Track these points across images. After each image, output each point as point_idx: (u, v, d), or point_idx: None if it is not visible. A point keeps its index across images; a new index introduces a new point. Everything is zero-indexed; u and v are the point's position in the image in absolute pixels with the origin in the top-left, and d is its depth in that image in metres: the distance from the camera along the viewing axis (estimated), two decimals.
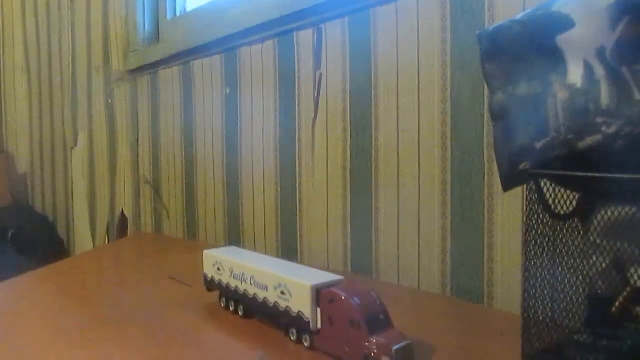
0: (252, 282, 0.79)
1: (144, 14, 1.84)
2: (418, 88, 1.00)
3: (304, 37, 1.23)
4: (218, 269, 0.87)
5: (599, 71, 0.55)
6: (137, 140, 1.88)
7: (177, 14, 1.84)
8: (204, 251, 0.91)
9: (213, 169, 1.53)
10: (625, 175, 0.55)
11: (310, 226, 1.24)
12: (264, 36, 1.33)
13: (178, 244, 1.57)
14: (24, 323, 0.84)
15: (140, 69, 1.83)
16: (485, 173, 0.90)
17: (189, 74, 1.60)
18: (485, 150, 0.90)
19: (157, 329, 0.79)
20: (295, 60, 1.25)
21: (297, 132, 1.26)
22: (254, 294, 0.79)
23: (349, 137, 1.13)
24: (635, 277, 0.56)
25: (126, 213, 1.97)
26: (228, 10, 1.55)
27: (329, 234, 1.19)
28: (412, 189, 1.02)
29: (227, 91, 1.46)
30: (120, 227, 2.01)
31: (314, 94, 1.21)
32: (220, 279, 0.87)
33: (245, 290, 0.81)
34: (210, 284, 0.89)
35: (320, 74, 1.19)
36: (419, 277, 1.01)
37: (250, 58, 1.38)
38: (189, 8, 1.80)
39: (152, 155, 1.81)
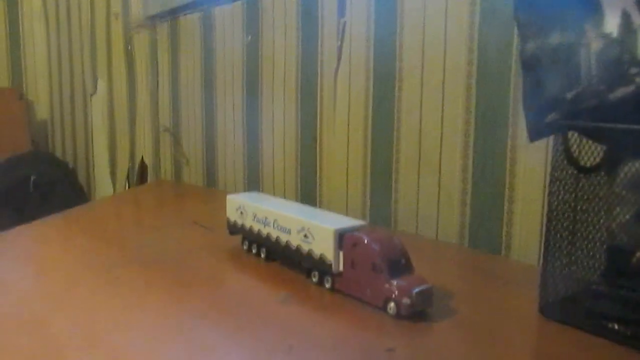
0: (275, 226, 0.81)
1: None
2: (445, 38, 0.99)
3: None
4: (241, 213, 0.89)
5: (638, 21, 0.54)
6: (157, 88, 1.89)
7: None
8: (228, 196, 0.93)
9: (233, 118, 1.54)
10: None
11: (331, 175, 1.25)
12: None
13: (198, 191, 1.59)
14: (54, 262, 0.87)
15: (160, 16, 1.81)
16: (509, 125, 0.90)
17: (210, 21, 1.59)
18: (510, 103, 0.90)
19: (182, 271, 0.82)
20: (319, 7, 1.23)
21: (319, 81, 1.25)
22: (277, 237, 0.81)
23: (372, 87, 1.13)
24: None
25: (146, 161, 1.99)
26: None
27: (349, 183, 1.20)
28: (434, 140, 1.02)
29: (249, 39, 1.45)
30: (140, 175, 2.04)
31: (337, 43, 1.20)
32: (243, 223, 0.89)
33: (268, 234, 0.83)
34: (234, 228, 0.91)
35: (345, 22, 1.17)
36: (437, 228, 1.02)
37: (273, 5, 1.36)
38: None
39: (172, 103, 1.82)
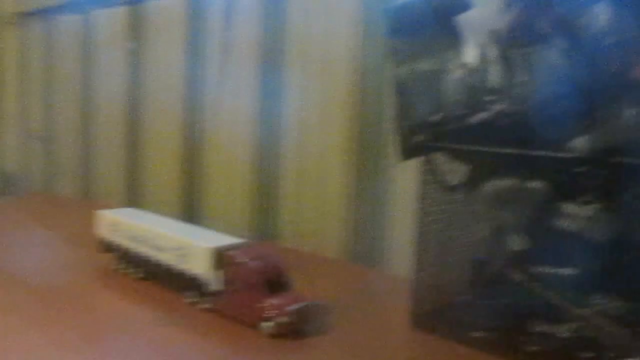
0: (150, 244, 0.78)
1: None
2: (328, 58, 1.01)
3: None
4: (114, 230, 0.84)
5: (492, 52, 0.59)
6: (28, 92, 1.75)
7: None
8: (99, 212, 0.88)
9: (114, 125, 1.46)
10: (508, 150, 0.60)
11: (215, 190, 1.22)
12: None
13: (72, 204, 1.49)
14: None
15: (34, 14, 1.68)
16: (386, 145, 0.94)
17: (89, 24, 1.50)
18: (388, 122, 0.94)
19: (47, 292, 0.76)
20: (207, 19, 1.21)
21: (205, 93, 1.23)
22: (152, 256, 0.78)
23: (257, 103, 1.13)
24: (512, 242, 0.62)
25: (12, 170, 1.83)
26: None
27: (234, 199, 1.18)
28: (317, 156, 1.03)
29: (132, 46, 1.39)
30: (4, 185, 1.87)
31: (223, 56, 1.18)
32: (116, 241, 0.84)
33: (142, 252, 0.79)
34: (106, 247, 0.86)
35: (229, 36, 1.16)
36: (319, 243, 1.04)
37: (159, 13, 1.32)
38: None
39: (45, 108, 1.69)
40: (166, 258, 0.75)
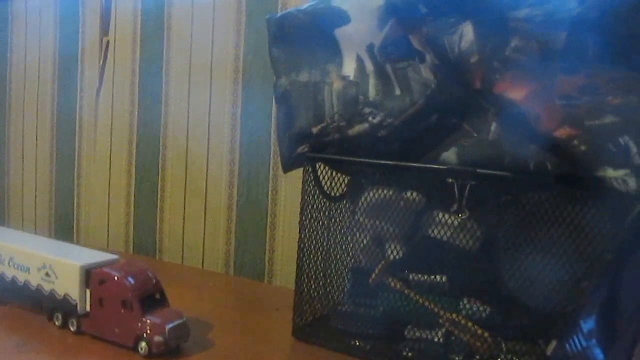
0: (11, 263, 0.71)
1: None
2: (211, 68, 0.99)
3: None
4: None
5: (369, 66, 0.61)
6: None
7: None
8: None
9: None
10: (384, 162, 0.61)
11: (90, 204, 1.15)
12: None
13: None
14: None
15: None
16: (272, 155, 0.94)
17: None
18: (272, 133, 0.93)
19: None
20: (80, 22, 1.14)
21: (78, 101, 1.15)
22: (13, 276, 0.70)
23: (137, 110, 1.07)
24: (389, 251, 0.64)
25: None
26: None
27: (110, 213, 1.11)
28: (200, 167, 1.01)
29: None
30: None
31: (99, 62, 1.12)
32: None
33: (2, 272, 0.72)
34: None
35: (108, 41, 1.10)
36: (203, 256, 1.01)
37: (26, 13, 1.22)
38: None
39: None
40: (30, 278, 0.69)
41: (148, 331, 0.60)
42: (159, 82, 1.04)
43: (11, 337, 0.64)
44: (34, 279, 0.68)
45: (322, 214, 0.70)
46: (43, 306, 0.68)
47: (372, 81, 0.61)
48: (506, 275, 0.59)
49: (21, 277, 0.70)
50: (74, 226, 1.17)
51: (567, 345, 0.50)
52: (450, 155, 0.59)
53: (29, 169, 1.23)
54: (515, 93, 0.53)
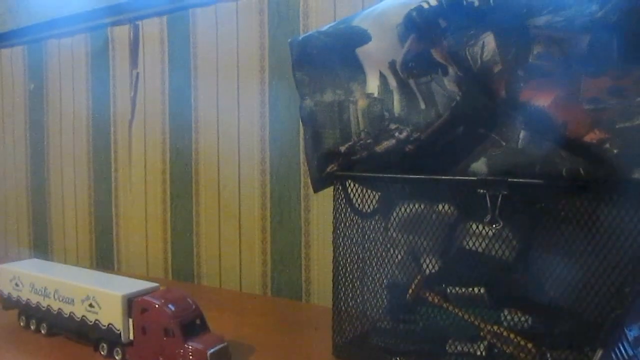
0: (56, 296, 0.73)
1: None
2: (238, 91, 1.01)
3: (120, 34, 1.16)
4: (16, 284, 0.78)
5: (392, 82, 0.61)
6: None
7: None
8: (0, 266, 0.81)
9: (15, 175, 1.37)
10: (414, 176, 0.61)
11: (128, 233, 1.17)
12: (75, 29, 1.23)
13: None
14: None
15: None
16: (302, 175, 0.94)
17: None
18: (301, 153, 0.94)
19: None
20: (110, 57, 1.18)
21: (112, 133, 1.18)
22: (59, 309, 0.73)
23: (169, 139, 1.10)
24: (425, 265, 0.63)
25: None
26: None
27: (149, 241, 1.14)
28: (232, 191, 1.02)
29: (32, 87, 1.33)
30: None
31: (130, 94, 1.15)
32: (19, 296, 0.78)
33: (48, 305, 0.74)
34: (8, 302, 0.80)
35: (138, 73, 1.14)
36: (240, 279, 1.02)
37: (59, 50, 1.27)
38: None
39: None
40: (75, 310, 0.71)
41: (190, 357, 0.61)
42: (188, 110, 1.07)
43: None
44: (79, 310, 0.70)
45: (355, 231, 0.70)
46: (89, 336, 0.70)
47: (396, 97, 0.61)
48: (546, 284, 0.58)
49: (66, 309, 0.72)
50: (115, 256, 1.20)
51: (613, 354, 0.49)
52: (480, 165, 0.59)
53: (68, 203, 1.27)
54: (542, 100, 0.52)
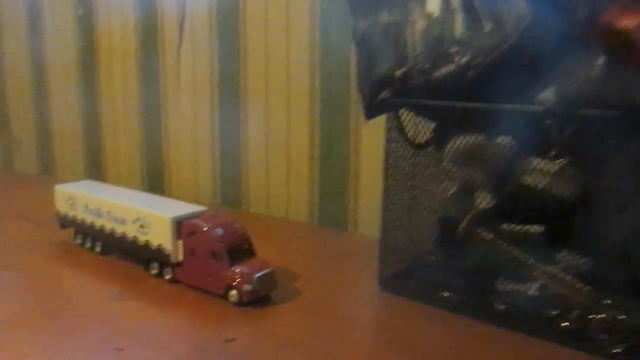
0: (109, 217, 0.75)
1: None
2: (287, 16, 0.97)
3: None
4: (72, 204, 0.80)
5: (455, 1, 0.56)
6: None
7: None
8: (56, 186, 0.84)
9: (69, 99, 1.39)
10: (474, 105, 0.57)
11: (178, 159, 1.18)
12: None
13: (30, 180, 1.43)
14: None
15: None
16: (353, 103, 0.91)
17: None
18: (353, 80, 0.91)
19: (7, 269, 0.73)
20: None
21: (160, 58, 1.17)
22: (112, 229, 0.74)
23: (217, 64, 1.08)
24: (479, 200, 0.60)
25: None
26: None
27: (198, 167, 1.15)
28: (281, 119, 1.00)
29: (81, 12, 1.32)
30: None
31: (178, 18, 1.12)
32: (74, 215, 0.80)
33: (102, 225, 0.76)
34: (64, 221, 0.83)
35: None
36: (287, 207, 1.02)
37: None
38: None
39: None
40: (126, 230, 0.72)
41: (237, 280, 0.62)
42: (236, 35, 1.04)
43: (115, 286, 0.68)
44: (130, 231, 0.72)
45: (406, 162, 0.68)
46: (140, 256, 0.72)
47: (458, 17, 0.56)
48: (610, 228, 0.54)
49: (119, 230, 0.73)
50: (164, 181, 1.22)
51: None
52: (548, 95, 0.54)
53: (119, 126, 1.29)
54: (627, 21, 0.46)
